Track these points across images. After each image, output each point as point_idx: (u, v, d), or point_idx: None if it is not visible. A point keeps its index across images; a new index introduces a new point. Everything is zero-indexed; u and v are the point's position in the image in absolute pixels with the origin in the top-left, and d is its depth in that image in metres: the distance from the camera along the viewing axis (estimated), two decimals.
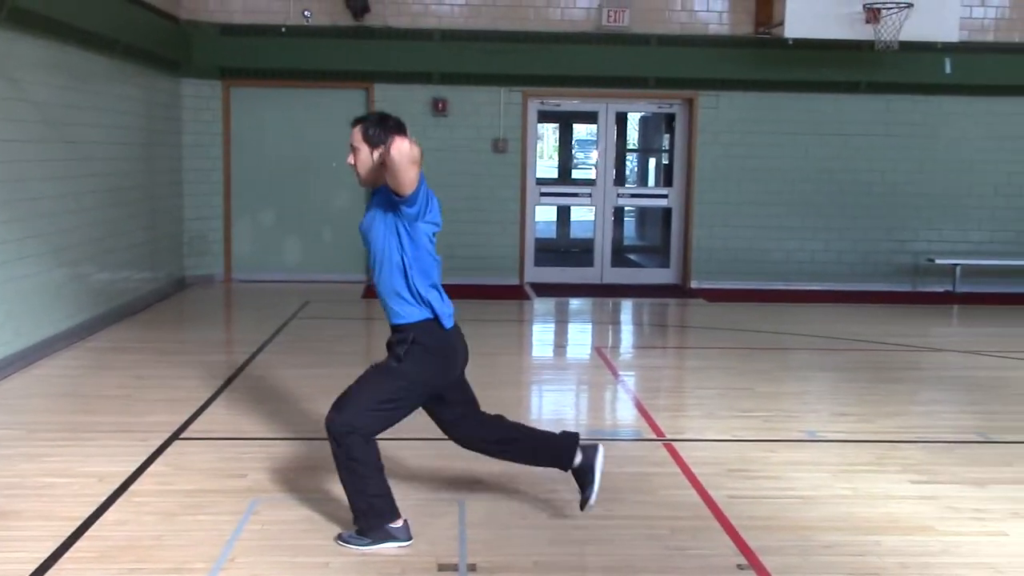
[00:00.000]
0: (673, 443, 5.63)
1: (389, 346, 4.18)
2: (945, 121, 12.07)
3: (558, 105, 12.47)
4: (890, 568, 3.98)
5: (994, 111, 12.07)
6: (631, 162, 17.78)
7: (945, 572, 3.96)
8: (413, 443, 5.57)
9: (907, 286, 12.21)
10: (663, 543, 4.17)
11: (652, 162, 15.64)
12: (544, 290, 11.70)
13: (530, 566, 3.93)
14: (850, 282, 12.15)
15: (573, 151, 22.53)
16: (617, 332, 10.21)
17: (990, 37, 11.96)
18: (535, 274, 12.34)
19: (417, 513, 4.39)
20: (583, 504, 4.28)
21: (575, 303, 11.28)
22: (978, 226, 12.24)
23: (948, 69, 11.75)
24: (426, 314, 4.06)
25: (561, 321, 10.60)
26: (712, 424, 6.12)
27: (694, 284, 12.10)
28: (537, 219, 12.81)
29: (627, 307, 11.24)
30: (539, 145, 27.96)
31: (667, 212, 12.61)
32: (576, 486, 4.35)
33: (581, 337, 9.87)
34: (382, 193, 4.03)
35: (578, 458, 4.29)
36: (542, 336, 9.76)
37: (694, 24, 11.85)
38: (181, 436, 5.59)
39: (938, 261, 11.96)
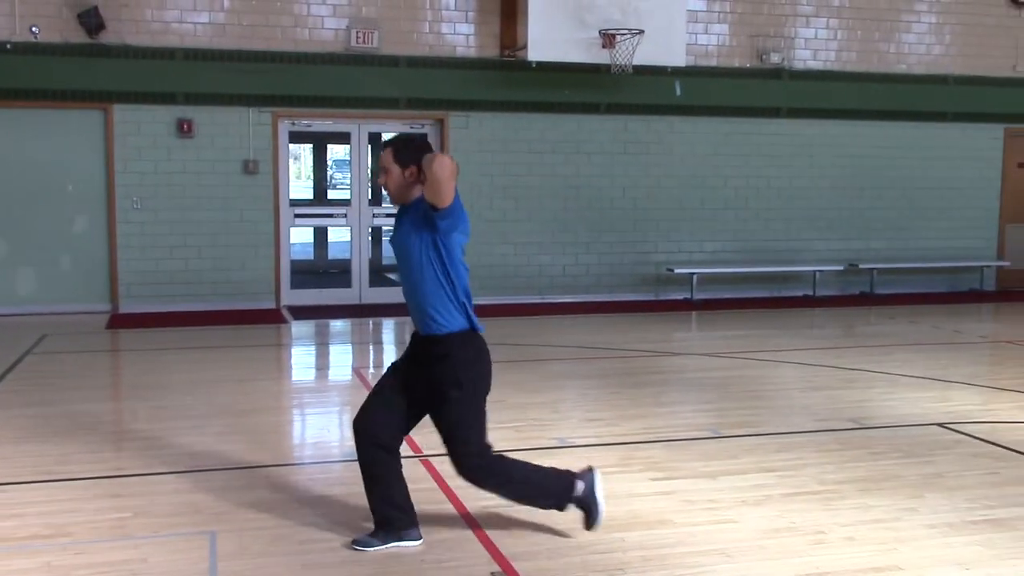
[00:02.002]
0: (430, 459, 5.71)
1: (428, 359, 4.33)
2: (678, 140, 12.92)
3: (309, 126, 12.37)
4: (633, 562, 4.23)
5: (720, 130, 13.04)
6: None
7: (681, 561, 4.24)
8: (164, 477, 5.39)
9: (651, 295, 12.95)
10: (418, 558, 4.24)
11: None
12: (302, 313, 11.56)
13: None
14: (599, 293, 12.76)
15: (331, 172, 22.41)
16: (377, 352, 10.22)
17: (714, 62, 12.93)
18: (292, 297, 12.16)
19: (165, 549, 4.24)
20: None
21: (334, 325, 11.20)
22: (711, 237, 13.18)
23: (678, 91, 12.61)
24: (463, 324, 4.30)
25: (321, 344, 10.49)
26: None
27: None
28: (294, 241, 12.63)
29: (387, 326, 11.28)
30: (296, 166, 27.47)
31: None
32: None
33: (341, 359, 9.81)
34: (414, 210, 4.26)
35: (580, 487, 4.48)
36: (300, 359, 9.63)
37: (442, 46, 12.10)
38: None
39: (677, 271, 12.77)
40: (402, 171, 4.24)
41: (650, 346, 9.68)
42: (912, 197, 13.87)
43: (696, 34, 12.72)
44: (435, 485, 5.23)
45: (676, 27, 11.75)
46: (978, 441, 6.20)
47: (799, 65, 13.25)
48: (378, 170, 4.30)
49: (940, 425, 6.60)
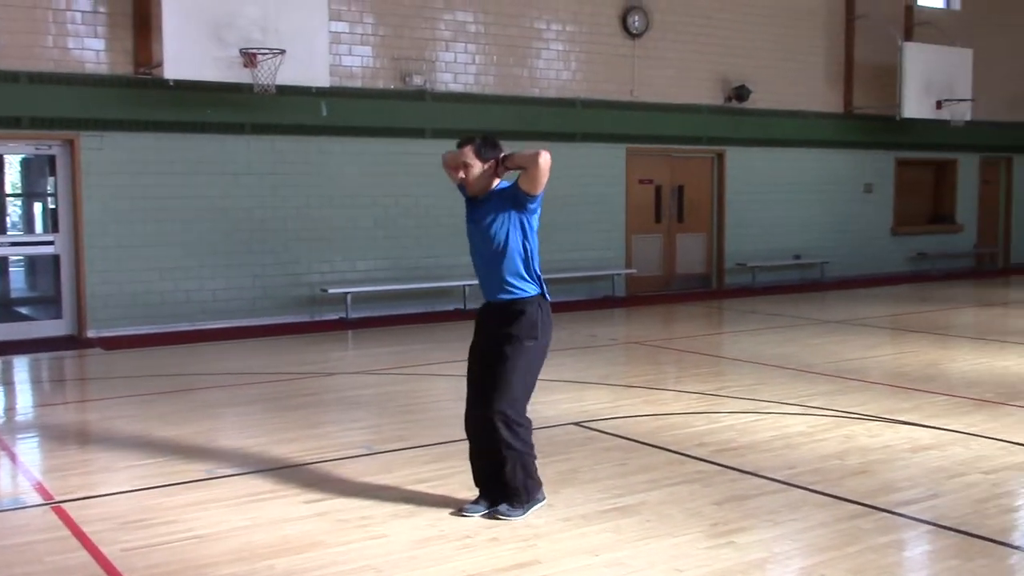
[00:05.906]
0: (63, 505, 5.31)
1: (503, 317, 5.02)
2: (326, 160, 12.93)
3: None
4: None
5: (367, 151, 13.21)
6: (17, 208, 16.44)
7: None
8: None
9: (306, 316, 12.84)
10: None
11: (39, 207, 14.61)
12: None
13: None
14: (252, 317, 12.46)
15: None
16: (8, 394, 9.31)
17: (359, 83, 13.08)
18: None
19: None
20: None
21: None
22: (363, 256, 13.29)
23: (324, 112, 12.64)
24: (538, 290, 5.10)
25: None
26: (107, 478, 5.90)
27: (91, 333, 11.51)
28: None
29: (15, 365, 10.32)
30: None
31: (57, 259, 11.83)
32: None
33: None
34: (497, 197, 5.05)
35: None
36: None
37: (69, 62, 11.30)
38: None
39: (331, 291, 12.76)
40: (483, 165, 4.99)
41: (306, 368, 9.60)
42: (552, 212, 14.76)
43: (340, 55, 12.81)
44: (68, 532, 4.86)
45: (318, 48, 11.77)
46: (609, 436, 6.73)
47: (441, 87, 13.73)
48: (453, 166, 5.10)
49: (576, 424, 7.09)
